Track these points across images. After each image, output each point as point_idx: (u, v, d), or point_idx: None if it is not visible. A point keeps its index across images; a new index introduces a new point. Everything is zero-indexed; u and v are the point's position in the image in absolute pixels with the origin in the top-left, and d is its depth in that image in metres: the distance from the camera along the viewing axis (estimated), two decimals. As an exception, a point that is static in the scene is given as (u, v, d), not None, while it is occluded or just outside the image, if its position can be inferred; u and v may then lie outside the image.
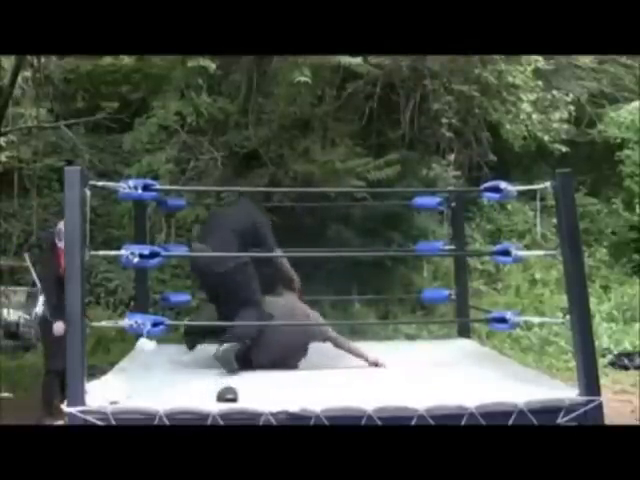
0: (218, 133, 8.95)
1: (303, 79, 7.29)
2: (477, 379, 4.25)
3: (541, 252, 5.48)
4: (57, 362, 5.89)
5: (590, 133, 10.50)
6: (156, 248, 4.08)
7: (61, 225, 6.10)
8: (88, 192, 3.64)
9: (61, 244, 6.06)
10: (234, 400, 3.61)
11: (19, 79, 8.44)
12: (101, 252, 4.11)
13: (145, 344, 5.00)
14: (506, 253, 4.35)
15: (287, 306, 4.81)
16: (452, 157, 9.16)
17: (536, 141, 9.23)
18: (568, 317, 3.93)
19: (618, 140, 10.20)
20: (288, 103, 8.41)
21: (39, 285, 6.18)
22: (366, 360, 4.72)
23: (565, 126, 9.30)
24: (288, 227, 7.93)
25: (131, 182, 3.93)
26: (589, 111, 10.42)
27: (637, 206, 10.31)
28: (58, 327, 5.62)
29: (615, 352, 7.71)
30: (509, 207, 10.37)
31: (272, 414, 3.44)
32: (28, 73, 9.20)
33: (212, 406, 3.50)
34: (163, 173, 7.85)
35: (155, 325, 3.79)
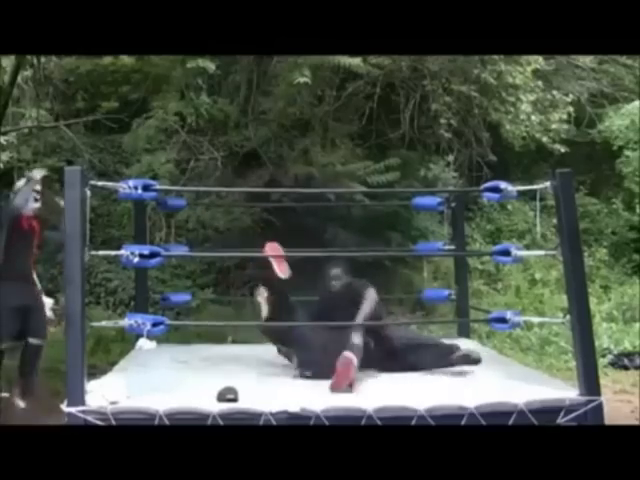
0: (218, 133, 8.95)
1: (303, 80, 7.29)
2: (477, 379, 4.25)
3: (541, 252, 5.45)
4: None
5: (590, 133, 10.50)
6: (156, 248, 4.08)
7: (20, 184, 5.05)
8: (88, 192, 3.64)
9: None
10: (234, 400, 3.61)
11: (19, 79, 8.43)
12: (101, 252, 4.10)
13: (145, 344, 5.02)
14: (506, 253, 4.35)
15: None
16: (452, 157, 9.16)
17: (535, 141, 9.23)
18: (568, 317, 3.92)
19: (618, 143, 10.20)
20: (288, 103, 8.41)
21: None
22: None
23: (565, 126, 9.30)
24: (288, 227, 7.95)
25: (131, 182, 3.92)
26: (589, 111, 10.42)
27: (637, 206, 10.31)
28: None
29: (615, 352, 7.70)
30: (509, 207, 10.37)
31: (272, 414, 3.43)
32: (28, 73, 9.19)
33: (212, 406, 3.49)
34: (163, 173, 7.84)
35: (155, 325, 3.78)
